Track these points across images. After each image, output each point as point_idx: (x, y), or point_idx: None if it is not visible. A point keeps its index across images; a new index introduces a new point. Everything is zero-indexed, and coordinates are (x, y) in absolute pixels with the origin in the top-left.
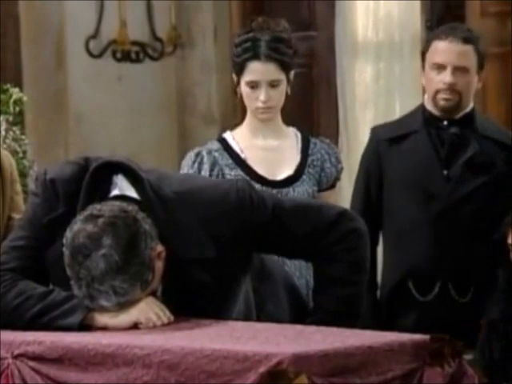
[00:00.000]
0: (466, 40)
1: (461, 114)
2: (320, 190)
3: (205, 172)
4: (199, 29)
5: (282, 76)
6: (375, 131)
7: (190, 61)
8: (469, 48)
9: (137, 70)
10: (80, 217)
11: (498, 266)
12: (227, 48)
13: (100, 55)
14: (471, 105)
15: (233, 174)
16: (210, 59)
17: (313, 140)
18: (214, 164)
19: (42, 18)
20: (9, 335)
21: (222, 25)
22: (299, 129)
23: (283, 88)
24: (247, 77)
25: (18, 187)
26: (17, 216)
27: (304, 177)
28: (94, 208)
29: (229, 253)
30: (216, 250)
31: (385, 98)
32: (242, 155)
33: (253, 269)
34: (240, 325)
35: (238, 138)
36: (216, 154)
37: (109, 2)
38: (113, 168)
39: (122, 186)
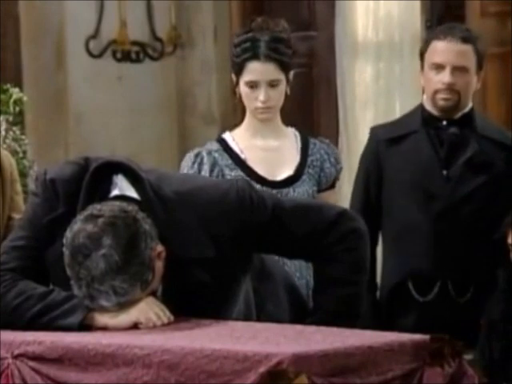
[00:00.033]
0: (465, 40)
1: (460, 113)
2: (319, 191)
3: (205, 173)
4: (199, 29)
5: (281, 76)
6: (374, 131)
7: (190, 61)
8: (468, 48)
9: (137, 70)
10: (80, 217)
11: (498, 265)
12: (227, 48)
13: (100, 55)
14: (470, 105)
15: (233, 174)
16: (210, 59)
17: (312, 140)
18: (213, 164)
19: (42, 18)
20: (9, 335)
21: (222, 25)
22: (299, 129)
23: (282, 88)
24: (246, 77)
25: (18, 187)
26: (17, 216)
27: (304, 177)
28: (94, 208)
29: (229, 253)
30: (216, 249)
31: (385, 98)
32: (242, 156)
33: (253, 269)
34: (240, 325)
35: (237, 139)
36: (216, 155)
37: (109, 2)
38: (113, 168)
39: (122, 186)
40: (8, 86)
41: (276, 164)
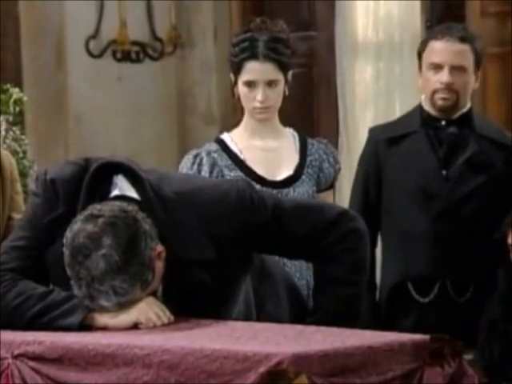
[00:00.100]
0: (463, 39)
1: (458, 113)
2: (318, 191)
3: (204, 173)
4: (199, 29)
5: (279, 76)
6: (373, 132)
7: (190, 61)
8: (466, 47)
9: (137, 70)
10: (80, 217)
11: (498, 265)
12: (227, 48)
13: (100, 55)
14: (468, 104)
15: (232, 174)
16: (210, 59)
17: (310, 141)
18: (213, 165)
19: (42, 18)
20: (9, 335)
21: (222, 25)
22: (297, 129)
23: (281, 88)
24: (245, 76)
25: (19, 187)
26: (17, 216)
27: (304, 177)
28: (94, 208)
29: (229, 253)
30: (216, 250)
31: (385, 98)
32: (241, 156)
33: (253, 269)
34: (240, 325)
35: (236, 139)
36: (215, 155)
37: (109, 2)
38: (113, 168)
39: (122, 187)
40: (8, 86)
41: (275, 164)
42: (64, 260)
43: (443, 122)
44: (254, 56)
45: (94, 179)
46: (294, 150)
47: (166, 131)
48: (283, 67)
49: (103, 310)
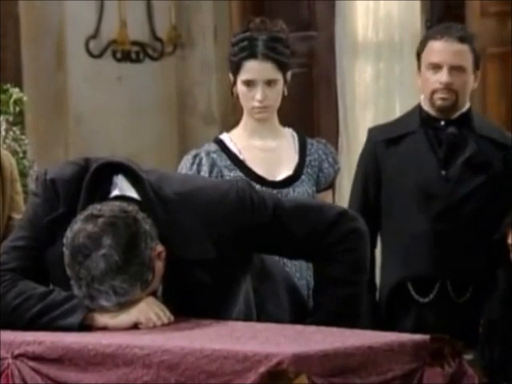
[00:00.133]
0: (462, 39)
1: (457, 113)
2: (318, 191)
3: (204, 174)
4: (199, 29)
5: (278, 76)
6: (372, 132)
7: (190, 61)
8: (465, 47)
9: (137, 70)
10: (80, 217)
11: (498, 266)
12: (227, 48)
13: (100, 55)
14: (468, 104)
15: (232, 174)
16: (210, 59)
17: (309, 141)
18: (212, 165)
19: (42, 18)
20: (9, 335)
21: (222, 25)
22: (296, 129)
23: (280, 88)
24: (244, 75)
25: (19, 187)
26: (17, 216)
27: (303, 177)
28: (94, 208)
29: (229, 253)
30: (216, 250)
31: (385, 98)
32: (241, 156)
33: (253, 269)
34: (240, 325)
35: (235, 139)
36: (214, 156)
37: (109, 2)
38: (113, 168)
39: (122, 187)
40: (8, 86)
41: (275, 164)
42: (64, 260)
43: (442, 122)
44: (253, 55)
45: (94, 179)
46: (294, 149)
47: (166, 131)
48: (282, 67)
49: (103, 310)
